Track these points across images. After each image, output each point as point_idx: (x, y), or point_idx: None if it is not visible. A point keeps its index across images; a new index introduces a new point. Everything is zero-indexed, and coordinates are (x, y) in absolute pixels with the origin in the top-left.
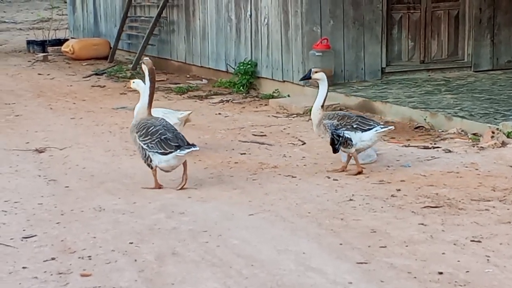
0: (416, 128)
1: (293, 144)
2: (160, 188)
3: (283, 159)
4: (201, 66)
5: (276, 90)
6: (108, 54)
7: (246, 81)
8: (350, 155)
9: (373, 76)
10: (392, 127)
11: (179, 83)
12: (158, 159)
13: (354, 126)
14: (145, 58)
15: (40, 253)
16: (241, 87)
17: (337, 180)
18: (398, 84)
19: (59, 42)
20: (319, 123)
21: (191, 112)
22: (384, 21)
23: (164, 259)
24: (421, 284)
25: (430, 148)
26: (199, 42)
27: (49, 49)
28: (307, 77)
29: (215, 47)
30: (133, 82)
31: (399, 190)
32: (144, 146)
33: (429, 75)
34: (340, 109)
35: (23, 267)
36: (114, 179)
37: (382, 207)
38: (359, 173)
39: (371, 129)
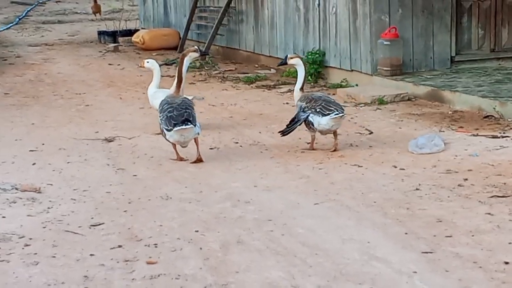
0: (485, 117)
1: (360, 133)
2: (182, 160)
3: (349, 148)
4: (269, 56)
5: (344, 79)
6: (178, 44)
7: (314, 70)
8: (313, 135)
9: (442, 65)
10: (344, 114)
11: (247, 73)
12: (167, 134)
13: (317, 109)
14: (191, 48)
15: (107, 240)
16: (309, 77)
17: (403, 169)
18: (467, 73)
19: (130, 32)
20: (296, 104)
21: (194, 97)
22: (453, 10)
23: (229, 248)
24: (487, 274)
25: (499, 138)
26: (267, 32)
27: (120, 39)
28: (283, 63)
29: (283, 36)
30: (147, 61)
31: (466, 179)
32: (160, 121)
33: (499, 64)
34: (409, 99)
35: (91, 255)
36: (181, 168)
37: (448, 197)
38: (313, 149)
39: (328, 114)
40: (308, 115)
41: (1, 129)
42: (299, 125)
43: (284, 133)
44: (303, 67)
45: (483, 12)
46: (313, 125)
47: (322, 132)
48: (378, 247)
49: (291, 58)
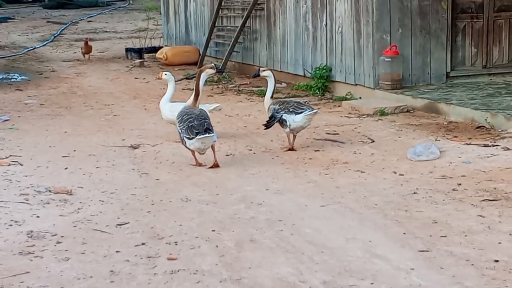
0: (478, 127)
1: (363, 142)
2: (200, 166)
3: (353, 155)
4: (281, 71)
5: (348, 92)
6: (198, 60)
7: (321, 84)
8: (287, 133)
9: (438, 80)
10: (318, 111)
11: (260, 87)
12: (188, 142)
13: (290, 109)
14: (208, 65)
15: (132, 238)
16: (317, 90)
17: (402, 175)
18: (461, 87)
19: (154, 49)
20: (268, 109)
21: (218, 105)
22: (449, 30)
23: (243, 245)
24: (478, 271)
25: (490, 146)
26: (279, 49)
27: (145, 55)
28: (256, 75)
29: (294, 53)
30: (165, 74)
31: (460, 184)
32: (179, 131)
33: (491, 79)
34: (407, 110)
35: (117, 251)
36: (200, 172)
37: (443, 200)
38: (290, 149)
39: (302, 112)
40: (282, 115)
41: (37, 137)
42: (277, 121)
43: (267, 127)
44: (273, 78)
45: (476, 32)
46: (286, 122)
47: (295, 130)
48: (378, 246)
49: (264, 70)
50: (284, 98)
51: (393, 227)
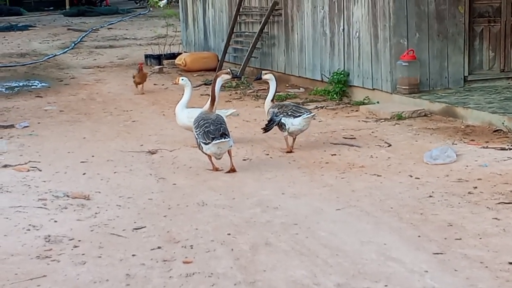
0: (495, 131)
1: (379, 146)
2: (217, 170)
3: (370, 159)
4: (299, 76)
5: (366, 97)
6: (216, 66)
7: (339, 89)
8: (285, 137)
9: (456, 84)
10: (315, 114)
11: (279, 92)
12: (204, 147)
13: (289, 113)
14: (224, 70)
15: (148, 242)
16: (335, 95)
17: (418, 178)
18: (479, 91)
19: (173, 56)
20: (267, 113)
21: (235, 111)
22: (466, 34)
23: (258, 249)
24: (492, 273)
25: (507, 150)
26: (297, 54)
27: (164, 62)
28: (258, 78)
29: (311, 58)
30: (182, 79)
31: (476, 187)
32: (196, 136)
33: (509, 83)
34: (425, 115)
35: (133, 255)
36: (216, 177)
37: (459, 203)
38: (289, 152)
39: (300, 115)
40: (280, 119)
41: (56, 143)
42: (276, 124)
43: (265, 131)
44: (275, 81)
45: (494, 36)
46: (285, 126)
47: (293, 133)
48: (393, 249)
49: (265, 74)
50: (297, 102)
51: (408, 230)
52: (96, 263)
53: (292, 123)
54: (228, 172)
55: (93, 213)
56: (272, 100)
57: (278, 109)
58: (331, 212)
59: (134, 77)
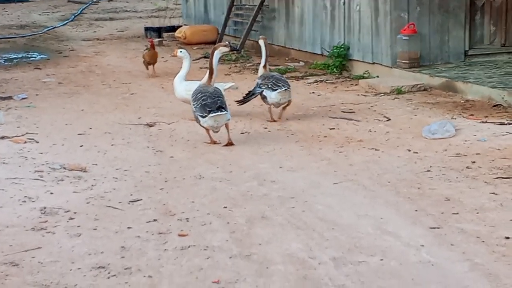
0: (494, 106)
1: (378, 120)
2: (215, 143)
3: (368, 133)
4: (299, 50)
5: (366, 71)
6: (216, 39)
7: (339, 63)
8: (268, 107)
9: (457, 59)
10: (289, 88)
11: (278, 65)
12: (201, 120)
13: (269, 86)
14: (222, 43)
15: (144, 215)
16: (335, 69)
17: (417, 153)
18: (479, 66)
19: (173, 28)
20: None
21: (233, 84)
22: (467, 8)
23: (254, 222)
24: (488, 248)
25: (506, 124)
26: (297, 28)
27: (164, 35)
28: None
29: (312, 32)
30: (180, 51)
31: (474, 162)
32: (193, 109)
33: (509, 58)
34: (425, 89)
35: (128, 227)
36: (214, 150)
37: (457, 178)
38: (273, 121)
39: (277, 89)
40: (263, 90)
41: (54, 115)
42: (254, 97)
43: (240, 102)
44: (265, 47)
45: (495, 10)
46: (266, 98)
47: (275, 105)
48: (390, 223)
49: (260, 39)
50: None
51: (405, 205)
52: (91, 235)
53: (270, 96)
54: (226, 145)
55: (89, 185)
56: (264, 66)
57: (262, 80)
58: (328, 186)
59: (143, 57)
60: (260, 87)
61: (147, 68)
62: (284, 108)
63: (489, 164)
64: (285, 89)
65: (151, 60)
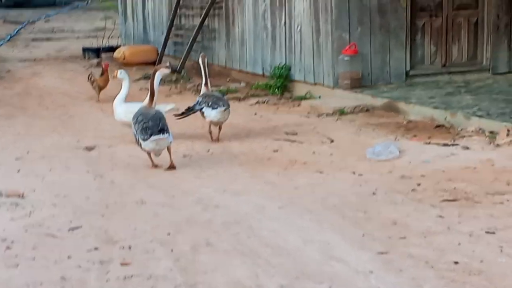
0: (437, 126)
1: (322, 142)
2: (156, 167)
3: (312, 155)
4: (240, 70)
5: (308, 92)
6: (156, 59)
7: (280, 83)
8: (208, 124)
9: (398, 79)
10: (227, 108)
11: (219, 86)
12: (143, 144)
13: (209, 104)
14: (163, 64)
15: (84, 243)
16: (276, 90)
17: (361, 175)
18: (421, 86)
19: (112, 49)
20: (197, 98)
21: (174, 106)
22: (408, 28)
23: (198, 249)
24: (438, 273)
25: (450, 145)
26: (238, 48)
27: (103, 55)
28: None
29: (253, 52)
30: (120, 72)
31: (420, 184)
32: (134, 132)
33: (450, 78)
34: (367, 110)
35: (68, 257)
36: (156, 174)
37: (403, 201)
38: (215, 140)
39: (217, 108)
40: (202, 108)
41: None
42: (193, 113)
43: (179, 116)
44: (205, 66)
45: (435, 30)
46: (205, 115)
47: (213, 123)
48: (337, 248)
49: (201, 57)
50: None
51: (351, 229)
52: (29, 265)
53: (210, 114)
54: (168, 169)
55: (27, 212)
56: (205, 84)
57: (203, 98)
58: (273, 209)
59: (93, 81)
60: (199, 104)
61: (98, 93)
62: (219, 127)
63: (435, 186)
64: (225, 109)
65: (105, 85)
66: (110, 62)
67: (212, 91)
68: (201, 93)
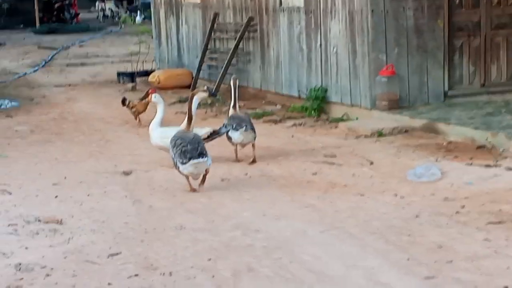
0: (478, 147)
1: (361, 164)
2: (194, 191)
3: (352, 178)
4: (276, 93)
5: (345, 113)
6: (191, 83)
7: (317, 105)
8: (234, 148)
9: (436, 99)
10: (248, 128)
11: (255, 108)
12: (181, 167)
13: (234, 126)
14: (201, 88)
15: (124, 270)
16: (313, 112)
17: (403, 197)
18: (460, 107)
19: (146, 73)
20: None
21: (210, 129)
22: (446, 48)
23: (240, 275)
24: None
25: (492, 167)
26: (273, 71)
27: (138, 79)
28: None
29: (288, 74)
30: (154, 96)
31: (464, 206)
32: (172, 155)
33: (490, 98)
34: (406, 131)
35: (109, 284)
36: (195, 199)
37: (447, 223)
38: (238, 161)
39: (240, 129)
40: (228, 131)
41: (26, 165)
42: (218, 136)
43: (206, 140)
44: (235, 89)
45: (473, 50)
46: (231, 139)
47: (240, 144)
48: (381, 273)
49: (232, 79)
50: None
51: (395, 253)
52: None
53: (234, 136)
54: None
55: (66, 239)
56: (233, 107)
57: (229, 121)
58: (315, 234)
59: (132, 107)
60: (225, 127)
61: (136, 118)
62: (253, 147)
63: (479, 209)
64: (246, 129)
65: (143, 110)
66: (144, 86)
67: (245, 113)
68: (229, 115)
